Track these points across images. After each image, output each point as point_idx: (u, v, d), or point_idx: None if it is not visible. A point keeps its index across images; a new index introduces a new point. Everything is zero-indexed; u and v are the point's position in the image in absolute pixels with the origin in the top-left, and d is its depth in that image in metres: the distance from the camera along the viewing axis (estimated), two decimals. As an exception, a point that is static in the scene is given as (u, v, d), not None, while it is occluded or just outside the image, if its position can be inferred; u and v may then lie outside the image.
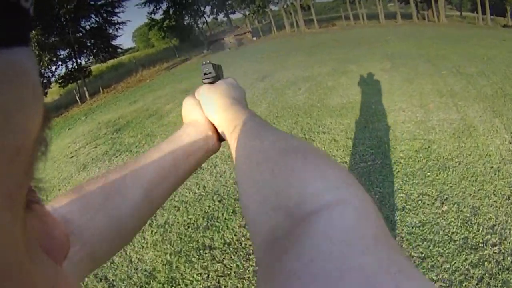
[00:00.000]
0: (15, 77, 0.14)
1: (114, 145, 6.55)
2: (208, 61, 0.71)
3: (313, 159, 0.37)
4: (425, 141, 4.25)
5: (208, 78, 0.69)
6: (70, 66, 19.95)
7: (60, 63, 19.62)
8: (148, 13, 32.15)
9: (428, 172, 3.57)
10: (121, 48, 24.26)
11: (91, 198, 0.49)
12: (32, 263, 0.17)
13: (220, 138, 0.64)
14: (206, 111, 0.63)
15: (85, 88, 18.11)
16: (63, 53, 19.82)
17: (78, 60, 20.78)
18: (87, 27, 21.33)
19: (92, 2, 20.75)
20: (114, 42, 23.12)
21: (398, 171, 3.68)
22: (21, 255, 0.16)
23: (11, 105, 0.13)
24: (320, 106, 6.29)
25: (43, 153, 0.17)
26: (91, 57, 22.10)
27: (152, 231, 3.43)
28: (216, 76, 0.70)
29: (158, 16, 32.12)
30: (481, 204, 2.94)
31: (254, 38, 29.26)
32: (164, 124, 7.29)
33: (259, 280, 0.29)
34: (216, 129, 0.63)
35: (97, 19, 22.03)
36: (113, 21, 22.72)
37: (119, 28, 22.88)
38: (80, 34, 20.61)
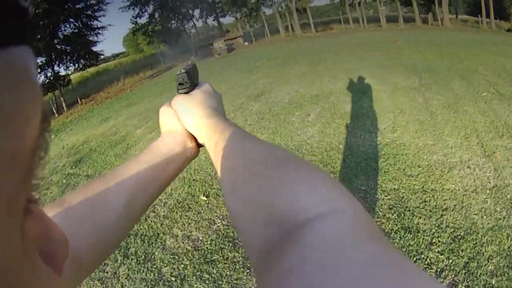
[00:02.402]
0: (15, 77, 0.14)
1: (67, 187, 5.14)
2: (182, 70, 0.66)
3: (301, 171, 0.37)
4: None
5: (183, 89, 0.66)
6: (49, 75, 18.09)
7: (39, 70, 17.42)
8: (133, 16, 30.06)
9: None
10: (102, 55, 22.14)
11: (74, 209, 0.49)
12: (30, 271, 0.17)
13: (199, 144, 0.63)
14: (184, 122, 0.62)
15: (62, 99, 16.63)
16: (40, 61, 17.80)
17: (57, 68, 18.85)
18: (66, 32, 19.27)
19: (69, 6, 18.64)
20: (95, 48, 21.08)
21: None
22: (19, 263, 0.15)
23: (9, 106, 0.13)
24: (344, 151, 4.39)
25: (42, 158, 0.17)
26: (71, 65, 20.03)
27: None
28: (191, 83, 0.67)
29: (144, 19, 30.23)
30: None
31: (246, 43, 27.31)
32: (127, 159, 5.34)
33: (258, 285, 0.30)
34: (194, 136, 0.62)
35: (76, 24, 19.96)
36: (93, 26, 20.64)
37: (99, 33, 20.79)
38: (57, 40, 18.51)
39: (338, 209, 0.30)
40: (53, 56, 18.19)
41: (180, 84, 0.66)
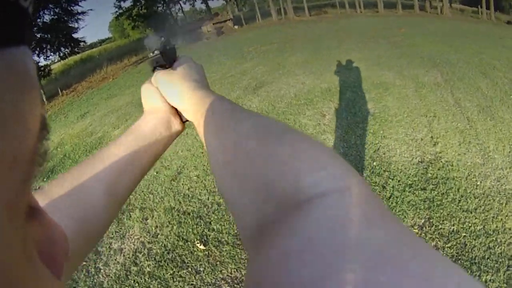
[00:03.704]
0: (14, 78, 0.13)
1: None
2: (156, 52, 0.61)
3: (301, 145, 0.34)
4: None
5: (158, 63, 0.62)
6: None
7: None
8: (117, 0, 28.24)
9: None
10: (83, 41, 20.68)
11: (55, 199, 0.47)
12: (31, 274, 0.17)
13: (184, 120, 0.62)
14: (168, 98, 0.59)
15: (42, 91, 15.17)
16: None
17: (37, 58, 17.48)
18: (45, 19, 17.80)
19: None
20: (76, 35, 19.61)
21: None
22: (20, 265, 0.15)
23: (8, 108, 0.13)
24: (379, 170, 3.41)
25: (41, 164, 0.16)
26: (51, 55, 18.65)
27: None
28: (169, 62, 0.62)
29: (128, 3, 28.52)
30: None
31: (236, 27, 25.89)
32: None
33: (250, 266, 0.27)
34: (178, 112, 0.61)
35: (56, 9, 18.44)
36: (73, 11, 19.11)
37: (80, 19, 19.28)
38: (35, 28, 17.03)
39: (344, 186, 0.27)
40: (32, 46, 16.62)
41: (155, 67, 0.61)
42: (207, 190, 3.42)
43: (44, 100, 14.51)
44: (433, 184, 3.08)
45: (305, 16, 26.52)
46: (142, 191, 3.75)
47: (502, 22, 22.49)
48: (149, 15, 28.65)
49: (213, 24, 23.83)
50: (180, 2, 30.59)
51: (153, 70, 0.62)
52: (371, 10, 27.48)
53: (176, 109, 0.60)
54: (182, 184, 3.65)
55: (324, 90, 5.82)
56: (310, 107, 5.15)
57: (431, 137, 3.93)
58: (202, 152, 4.19)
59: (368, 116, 4.53)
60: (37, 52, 17.45)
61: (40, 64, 17.77)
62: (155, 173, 4.04)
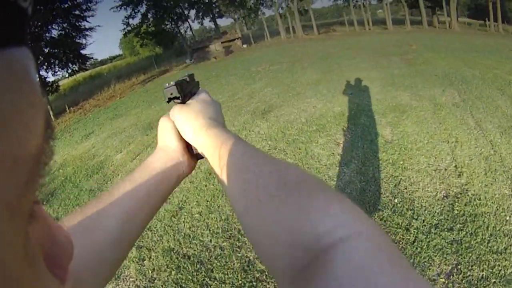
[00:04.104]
0: (14, 79, 0.13)
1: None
2: (172, 83, 0.60)
3: (316, 195, 0.36)
4: None
5: (175, 101, 0.61)
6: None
7: None
8: (125, 17, 28.18)
9: None
10: (91, 58, 20.71)
11: (71, 233, 0.37)
12: (33, 278, 0.17)
13: (199, 156, 0.61)
14: (183, 133, 0.59)
15: (49, 107, 15.17)
16: None
17: (45, 74, 17.67)
18: (53, 34, 17.86)
19: (57, 5, 17.13)
20: (85, 52, 19.66)
21: None
22: (22, 269, 0.15)
23: (8, 109, 0.13)
24: (401, 208, 3.06)
25: (45, 164, 0.16)
26: (58, 70, 18.64)
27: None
28: (183, 96, 0.60)
29: (137, 20, 28.68)
30: None
31: (245, 46, 25.87)
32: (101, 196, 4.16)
33: None
34: (188, 152, 0.61)
35: (64, 24, 18.49)
36: (81, 27, 19.14)
37: (88, 35, 19.28)
38: (43, 43, 17.04)
39: (357, 232, 0.30)
40: (40, 60, 16.83)
41: (170, 98, 0.60)
42: (209, 230, 3.08)
43: (52, 116, 14.53)
44: (460, 223, 2.75)
45: (314, 34, 26.55)
46: (141, 227, 3.43)
47: (510, 34, 22.68)
48: (158, 33, 28.74)
49: (222, 42, 23.80)
50: (189, 20, 30.63)
51: (168, 102, 0.61)
52: (379, 27, 27.53)
53: (186, 150, 0.60)
54: (183, 221, 3.31)
55: (337, 114, 5.48)
56: (323, 134, 4.80)
57: (455, 166, 3.59)
58: (206, 186, 3.86)
59: (386, 144, 4.17)
60: (45, 67, 17.41)
61: (48, 79, 17.81)
62: (154, 207, 3.73)
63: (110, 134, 7.59)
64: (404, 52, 11.75)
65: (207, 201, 3.52)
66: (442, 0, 26.44)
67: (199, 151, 0.56)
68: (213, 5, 29.86)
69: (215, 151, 0.50)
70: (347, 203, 0.35)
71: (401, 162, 3.76)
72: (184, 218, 3.33)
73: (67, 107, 15.35)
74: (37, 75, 0.16)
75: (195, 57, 23.24)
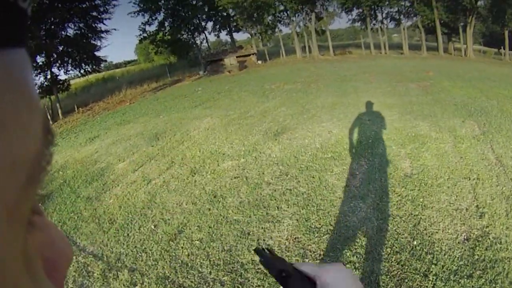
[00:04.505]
0: (12, 81, 0.13)
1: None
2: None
3: None
4: None
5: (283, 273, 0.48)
6: (48, 77, 17.00)
7: (38, 71, 16.62)
8: (142, 23, 28.33)
9: None
10: (105, 61, 20.77)
11: None
12: (28, 283, 0.16)
13: None
14: None
15: (58, 105, 15.57)
16: (40, 61, 16.71)
17: (58, 71, 17.88)
18: (68, 33, 17.97)
19: (75, 4, 17.25)
20: (99, 54, 19.67)
21: None
22: (20, 275, 0.15)
23: (6, 112, 0.13)
24: (421, 252, 2.82)
25: (44, 170, 0.16)
26: (71, 69, 18.69)
27: None
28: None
29: (153, 27, 28.84)
30: None
31: (259, 62, 25.80)
32: (96, 214, 4.09)
33: None
34: None
35: (81, 24, 18.60)
36: (97, 29, 19.23)
37: (103, 37, 19.35)
38: (57, 40, 17.10)
39: None
40: (53, 58, 17.06)
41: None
42: (209, 261, 2.80)
43: (60, 115, 14.75)
44: (480, 269, 2.54)
45: (330, 55, 26.46)
46: (135, 247, 3.18)
47: None
48: (173, 42, 28.84)
49: (237, 57, 23.73)
50: (205, 32, 30.72)
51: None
52: (395, 51, 27.40)
53: None
54: (182, 247, 3.03)
55: (353, 142, 5.22)
56: (338, 162, 4.53)
57: (477, 206, 3.35)
58: (210, 210, 3.59)
59: (405, 178, 3.89)
60: (57, 65, 17.57)
61: (60, 77, 17.90)
62: (152, 227, 3.46)
63: (115, 141, 7.41)
64: (421, 78, 11.55)
65: (210, 227, 3.25)
66: (459, 27, 26.33)
67: None
68: (231, 19, 29.83)
69: None
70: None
71: (421, 200, 3.49)
72: (183, 244, 3.07)
73: (76, 107, 15.41)
74: (34, 78, 0.15)
75: (209, 69, 23.19)
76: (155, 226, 3.47)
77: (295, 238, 2.99)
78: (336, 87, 10.97)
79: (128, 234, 3.42)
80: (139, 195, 4.31)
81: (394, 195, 3.56)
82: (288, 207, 3.47)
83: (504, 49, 25.54)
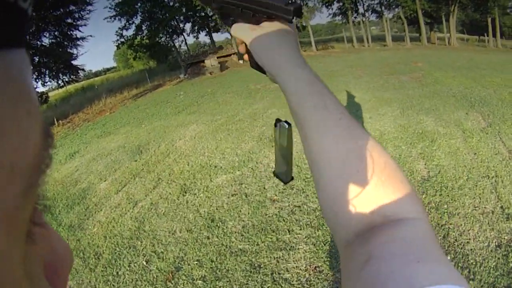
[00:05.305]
0: (11, 83, 0.13)
1: None
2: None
3: (400, 179, 0.41)
4: None
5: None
6: None
7: None
8: (119, 28, 27.42)
9: None
10: (82, 69, 19.97)
11: None
12: None
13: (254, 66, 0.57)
14: (266, 65, 0.52)
15: None
16: None
17: (35, 83, 16.65)
18: (44, 42, 17.22)
19: (49, 12, 16.48)
20: (76, 62, 18.92)
21: None
22: (20, 280, 0.15)
23: (5, 116, 0.12)
24: (455, 262, 2.54)
25: (44, 173, 0.16)
26: (48, 80, 17.98)
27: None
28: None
29: (131, 32, 28.07)
30: None
31: (241, 61, 25.32)
32: (80, 247, 3.59)
33: (355, 257, 0.36)
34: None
35: (56, 33, 17.83)
36: (73, 36, 18.46)
37: (79, 45, 18.61)
38: (32, 51, 16.32)
39: (418, 216, 0.38)
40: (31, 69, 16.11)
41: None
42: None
43: None
44: None
45: (312, 51, 26.20)
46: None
47: (509, 49, 22.95)
48: (152, 46, 28.04)
49: (217, 57, 23.18)
50: (184, 34, 29.99)
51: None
52: (378, 43, 27.32)
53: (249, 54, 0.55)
54: (181, 289, 2.54)
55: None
56: None
57: (502, 207, 3.06)
58: (209, 238, 3.07)
59: (424, 183, 3.49)
60: (34, 76, 16.69)
61: (38, 89, 17.04)
62: (144, 263, 2.96)
63: (95, 156, 6.85)
64: (411, 70, 11.30)
65: (212, 261, 2.74)
66: (442, 17, 26.41)
67: (282, 88, 0.50)
68: (209, 19, 29.24)
69: (306, 101, 0.46)
70: (413, 189, 0.41)
71: (445, 206, 3.13)
72: (183, 285, 2.56)
73: (55, 120, 14.43)
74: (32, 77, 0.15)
75: (190, 72, 22.60)
76: (147, 262, 2.97)
77: (315, 268, 2.53)
78: (325, 83, 10.52)
79: (117, 273, 2.91)
80: (125, 222, 3.79)
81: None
82: (300, 229, 2.99)
83: (487, 35, 25.90)
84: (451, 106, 6.15)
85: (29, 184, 0.14)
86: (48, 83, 18.24)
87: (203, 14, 28.23)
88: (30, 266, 0.16)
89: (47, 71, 17.48)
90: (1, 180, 0.12)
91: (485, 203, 3.12)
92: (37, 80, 17.21)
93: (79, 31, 18.57)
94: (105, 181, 5.26)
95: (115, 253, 3.23)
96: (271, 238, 2.91)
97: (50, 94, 18.73)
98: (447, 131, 4.86)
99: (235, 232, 3.09)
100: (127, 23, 26.52)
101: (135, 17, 26.49)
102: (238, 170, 4.52)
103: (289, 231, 2.97)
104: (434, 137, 4.65)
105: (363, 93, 7.96)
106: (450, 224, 2.86)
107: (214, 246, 2.94)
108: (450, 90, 7.50)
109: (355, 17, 28.48)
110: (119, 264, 3.04)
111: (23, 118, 0.13)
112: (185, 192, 4.17)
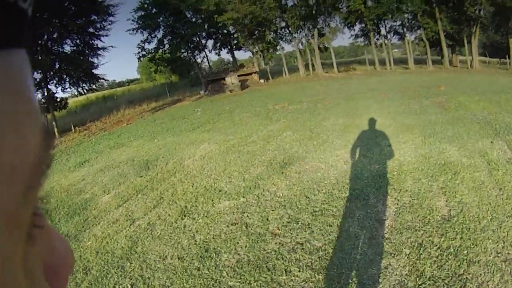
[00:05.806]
0: (11, 83, 0.13)
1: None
2: None
3: None
4: None
5: None
6: (45, 94, 16.35)
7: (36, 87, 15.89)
8: (141, 41, 27.58)
9: None
10: (103, 79, 20.13)
11: None
12: None
13: None
14: None
15: (54, 123, 15.06)
16: (37, 77, 16.17)
17: (55, 89, 17.49)
18: (65, 50, 17.54)
19: (71, 20, 16.76)
20: (97, 72, 19.13)
21: None
22: (20, 281, 0.15)
23: (5, 117, 0.13)
24: None
25: (44, 173, 0.16)
26: (68, 87, 18.23)
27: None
28: None
29: (153, 45, 28.34)
30: None
31: (262, 81, 25.25)
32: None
33: None
34: None
35: (78, 41, 18.11)
36: (93, 45, 18.70)
37: (100, 54, 18.79)
38: (52, 57, 16.60)
39: None
40: (50, 75, 16.56)
41: None
42: None
43: (56, 133, 14.01)
44: None
45: (334, 73, 25.99)
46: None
47: None
48: (173, 60, 28.21)
49: (238, 76, 23.17)
50: (206, 50, 30.13)
51: None
52: (399, 66, 26.96)
53: None
54: None
55: (375, 175, 4.42)
56: (360, 203, 3.70)
57: None
58: (199, 269, 2.77)
59: (444, 223, 3.14)
60: (54, 82, 17.11)
61: (58, 95, 17.44)
62: (129, 286, 2.73)
63: (104, 167, 6.78)
64: (434, 94, 10.94)
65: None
66: (463, 38, 25.97)
67: None
68: (231, 36, 29.34)
69: None
70: None
71: (465, 252, 2.75)
72: None
73: (73, 126, 14.90)
74: (34, 81, 0.15)
75: (210, 89, 22.65)
76: (131, 286, 2.73)
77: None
78: (345, 106, 10.28)
79: (102, 293, 2.70)
80: (119, 239, 3.59)
81: (433, 248, 2.80)
82: (299, 271, 2.66)
83: (509, 57, 25.34)
84: (475, 133, 5.80)
85: (29, 185, 0.14)
86: (68, 89, 18.39)
87: (225, 31, 28.38)
88: (30, 267, 0.16)
89: (67, 78, 17.68)
90: (1, 180, 0.12)
91: (508, 248, 2.75)
92: (57, 85, 17.48)
93: (101, 40, 18.78)
94: (108, 194, 5.15)
95: (103, 271, 3.06)
96: (265, 278, 2.60)
97: (72, 100, 18.88)
98: (471, 162, 4.50)
99: (228, 267, 2.79)
100: (149, 36, 26.85)
101: (157, 30, 26.79)
102: (243, 197, 4.24)
103: (286, 272, 2.65)
104: (457, 169, 4.29)
105: (384, 118, 7.64)
106: (469, 273, 2.49)
107: (203, 279, 2.66)
108: (474, 116, 7.15)
109: (377, 39, 28.23)
110: (105, 283, 2.86)
111: (23, 118, 0.13)
112: (184, 216, 3.92)
